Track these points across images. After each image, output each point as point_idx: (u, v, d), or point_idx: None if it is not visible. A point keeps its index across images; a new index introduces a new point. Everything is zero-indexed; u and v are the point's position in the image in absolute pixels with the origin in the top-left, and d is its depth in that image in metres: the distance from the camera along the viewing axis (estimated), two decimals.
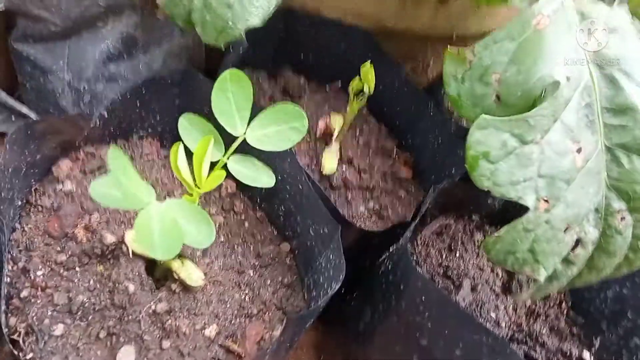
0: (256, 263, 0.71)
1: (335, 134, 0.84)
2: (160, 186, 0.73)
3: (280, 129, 0.55)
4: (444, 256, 0.78)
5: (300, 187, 0.67)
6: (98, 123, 0.67)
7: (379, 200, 0.84)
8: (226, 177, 0.77)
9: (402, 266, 0.65)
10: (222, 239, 0.72)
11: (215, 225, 0.73)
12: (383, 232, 0.71)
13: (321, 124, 0.86)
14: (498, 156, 0.55)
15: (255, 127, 0.55)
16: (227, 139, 0.58)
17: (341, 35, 0.89)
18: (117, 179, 0.44)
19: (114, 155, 0.43)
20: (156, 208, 0.47)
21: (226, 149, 0.56)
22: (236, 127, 0.54)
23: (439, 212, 0.83)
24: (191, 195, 0.53)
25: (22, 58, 0.84)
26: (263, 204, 0.76)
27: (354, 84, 0.75)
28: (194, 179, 0.53)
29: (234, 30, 0.59)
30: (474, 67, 0.57)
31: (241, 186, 0.78)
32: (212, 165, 0.56)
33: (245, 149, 0.59)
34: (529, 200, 0.56)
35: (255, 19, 0.58)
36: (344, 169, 0.84)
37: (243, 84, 0.54)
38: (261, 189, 0.76)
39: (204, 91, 0.72)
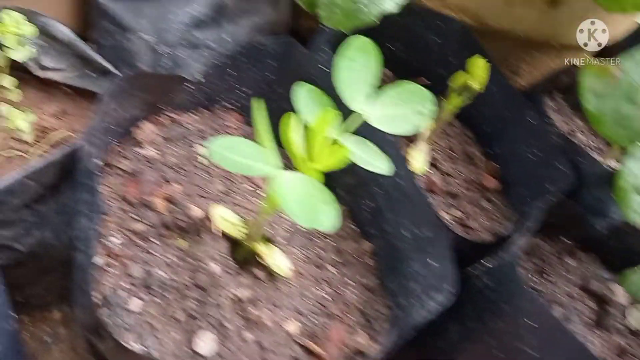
0: (336, 259, 0.66)
1: (426, 133, 0.78)
2: None
3: (403, 110, 0.50)
4: (533, 279, 0.72)
5: (398, 182, 0.61)
6: (189, 87, 0.62)
7: (462, 209, 0.78)
8: None
9: (506, 283, 0.59)
10: (304, 229, 0.67)
11: None
12: (483, 243, 0.65)
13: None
14: None
15: (377, 104, 0.49)
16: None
17: (436, 27, 0.84)
18: (259, 137, 0.39)
19: (258, 107, 0.38)
20: (288, 177, 0.42)
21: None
22: (357, 101, 0.49)
23: (534, 226, 0.77)
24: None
25: (102, 13, 0.80)
26: (347, 196, 0.71)
27: (457, 78, 0.70)
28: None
29: (365, 15, 0.54)
30: (620, 85, 0.51)
31: None
32: None
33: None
34: None
35: (391, 4, 0.53)
36: (429, 170, 0.79)
37: (371, 55, 0.49)
38: (346, 179, 0.71)
39: (302, 66, 0.67)
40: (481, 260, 0.67)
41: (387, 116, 0.50)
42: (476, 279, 0.64)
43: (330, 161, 0.46)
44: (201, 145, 0.66)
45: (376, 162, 0.51)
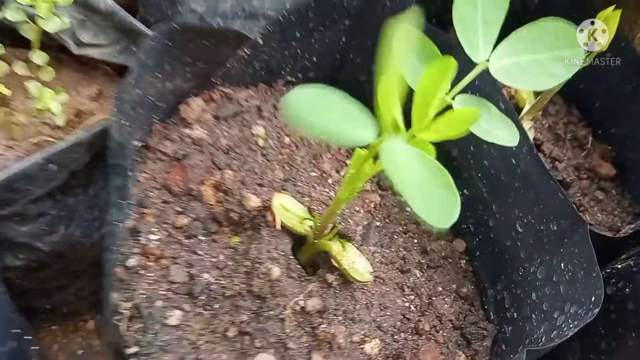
0: (422, 261, 0.53)
1: (526, 107, 0.64)
2: (305, 148, 0.56)
3: (539, 57, 0.36)
4: None
5: (512, 161, 0.48)
6: (245, 56, 0.51)
7: (574, 200, 0.64)
8: None
9: None
10: (380, 224, 0.55)
11: (372, 205, 0.56)
12: (614, 239, 0.51)
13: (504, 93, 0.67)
14: None
15: (503, 51, 0.36)
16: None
17: None
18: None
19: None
20: (403, 149, 0.30)
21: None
22: (478, 48, 0.36)
23: None
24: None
25: None
26: None
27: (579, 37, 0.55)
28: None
29: None
30: None
31: None
32: None
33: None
34: None
35: None
36: None
37: None
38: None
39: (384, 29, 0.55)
40: (612, 261, 0.52)
41: (516, 66, 0.37)
42: (606, 284, 0.50)
43: (447, 130, 0.34)
44: (258, 125, 0.56)
45: (501, 132, 0.38)
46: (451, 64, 0.31)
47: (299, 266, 0.45)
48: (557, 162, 0.65)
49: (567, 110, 0.73)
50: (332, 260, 0.44)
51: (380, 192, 0.57)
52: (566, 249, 0.42)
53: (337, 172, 0.56)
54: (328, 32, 0.54)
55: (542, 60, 0.36)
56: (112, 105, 0.42)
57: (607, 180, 0.68)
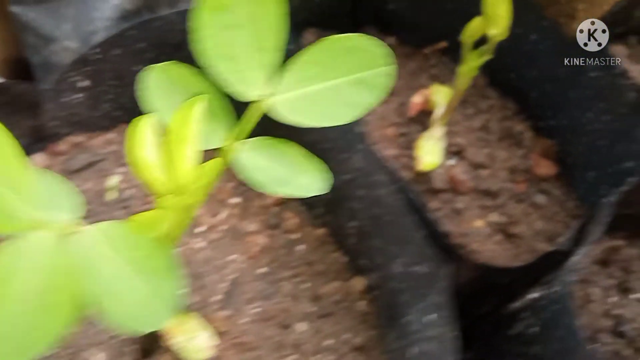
0: (311, 310, 0.46)
1: (439, 112, 0.56)
2: None
3: (337, 83, 0.28)
4: (612, 300, 0.50)
5: (378, 193, 0.40)
6: (76, 96, 0.45)
7: (505, 210, 0.56)
8: None
9: (559, 327, 0.36)
10: (265, 270, 0.48)
11: (257, 248, 0.49)
12: (521, 267, 0.42)
13: (417, 100, 0.59)
14: None
15: (289, 81, 0.28)
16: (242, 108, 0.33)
17: None
18: None
19: None
20: (38, 243, 0.22)
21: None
22: (252, 81, 0.28)
23: (602, 230, 0.53)
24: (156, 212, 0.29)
25: (23, 27, 0.65)
26: (327, 216, 0.51)
27: (471, 28, 0.47)
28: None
29: None
30: None
31: None
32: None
33: (278, 128, 0.34)
34: None
35: None
36: (451, 163, 0.57)
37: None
38: (325, 194, 0.51)
39: None
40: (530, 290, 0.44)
41: (305, 98, 0.29)
42: (516, 319, 0.42)
43: (195, 186, 0.27)
44: (116, 173, 0.50)
45: (303, 179, 0.31)
46: (195, 104, 0.25)
47: (137, 346, 0.38)
48: (482, 169, 0.57)
49: (502, 103, 0.64)
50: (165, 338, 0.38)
51: (268, 231, 0.51)
52: (430, 296, 0.35)
53: (214, 215, 0.50)
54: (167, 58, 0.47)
55: (341, 87, 0.28)
56: None
57: (548, 180, 0.59)
